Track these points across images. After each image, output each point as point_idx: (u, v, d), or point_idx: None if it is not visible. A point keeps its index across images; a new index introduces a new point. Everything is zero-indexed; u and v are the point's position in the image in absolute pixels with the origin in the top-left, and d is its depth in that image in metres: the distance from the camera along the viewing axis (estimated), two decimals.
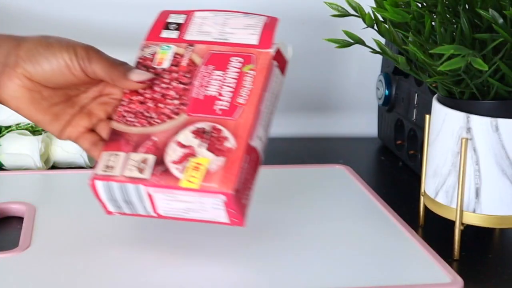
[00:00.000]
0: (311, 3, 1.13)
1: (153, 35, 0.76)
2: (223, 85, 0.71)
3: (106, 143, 0.70)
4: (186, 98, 0.71)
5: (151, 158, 0.68)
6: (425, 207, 0.81)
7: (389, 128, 1.09)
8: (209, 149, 0.68)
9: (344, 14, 0.76)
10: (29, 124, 0.99)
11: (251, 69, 0.71)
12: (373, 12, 0.74)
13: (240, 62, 0.72)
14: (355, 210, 0.82)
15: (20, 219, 0.79)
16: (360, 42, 0.75)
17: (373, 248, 0.74)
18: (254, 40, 0.73)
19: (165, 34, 0.75)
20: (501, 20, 0.67)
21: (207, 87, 0.71)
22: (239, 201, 0.66)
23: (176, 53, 0.74)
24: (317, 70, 1.20)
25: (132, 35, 1.12)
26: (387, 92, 1.07)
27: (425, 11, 0.70)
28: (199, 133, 0.69)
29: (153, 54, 0.74)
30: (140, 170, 0.68)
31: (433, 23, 0.71)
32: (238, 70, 0.72)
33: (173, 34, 0.75)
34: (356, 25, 0.77)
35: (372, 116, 1.18)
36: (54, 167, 0.97)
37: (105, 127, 0.74)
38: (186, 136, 0.69)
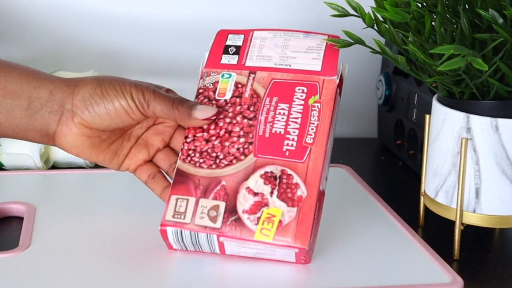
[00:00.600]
0: (311, 3, 1.14)
1: (213, 61, 0.74)
2: (289, 120, 0.70)
3: (174, 185, 0.69)
4: (252, 136, 0.70)
5: (222, 205, 0.68)
6: (425, 207, 0.81)
7: (389, 128, 1.09)
8: (280, 198, 0.67)
9: (344, 14, 0.76)
10: None
11: (316, 101, 0.70)
12: (373, 12, 0.74)
13: (304, 93, 0.71)
14: (355, 210, 0.82)
15: (20, 219, 0.79)
16: (360, 42, 0.75)
17: (373, 248, 0.74)
18: (317, 66, 0.72)
19: (224, 59, 0.74)
20: (501, 20, 0.67)
21: (272, 123, 0.70)
22: (310, 248, 0.67)
23: (237, 82, 0.72)
24: None
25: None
26: (387, 92, 1.07)
27: (425, 11, 0.70)
28: (269, 179, 0.68)
29: (214, 84, 0.72)
30: (212, 219, 0.67)
31: (433, 23, 0.71)
32: (303, 103, 0.70)
33: (233, 60, 0.73)
34: (357, 25, 0.77)
35: (372, 116, 1.19)
36: (54, 167, 0.97)
37: (163, 158, 0.74)
38: (256, 182, 0.68)
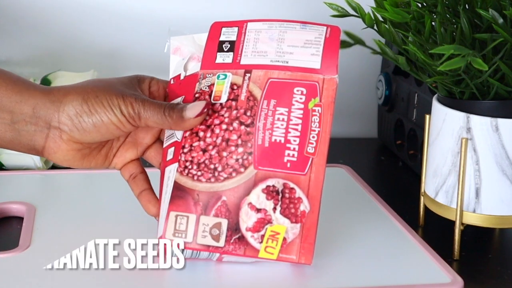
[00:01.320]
0: (310, 3, 1.13)
1: (208, 62, 0.71)
2: (289, 127, 0.67)
3: (172, 200, 0.67)
4: (251, 145, 0.67)
5: (224, 223, 0.66)
6: (425, 207, 0.81)
7: (389, 128, 1.09)
8: (283, 214, 0.66)
9: (343, 14, 0.76)
10: None
11: (316, 105, 0.67)
12: (373, 12, 0.74)
13: (303, 95, 0.68)
14: (355, 210, 0.82)
15: (20, 219, 0.79)
16: (360, 42, 0.75)
17: (373, 248, 0.74)
18: (316, 63, 0.68)
19: (219, 58, 0.70)
20: (501, 20, 0.67)
21: (271, 130, 0.67)
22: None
23: (233, 83, 0.69)
24: None
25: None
26: (387, 92, 1.07)
27: (425, 11, 0.70)
28: (271, 193, 0.67)
29: (210, 86, 0.70)
30: (214, 238, 0.66)
31: (433, 23, 0.71)
32: (303, 106, 0.67)
33: (228, 58, 0.70)
34: (356, 26, 0.77)
35: (372, 116, 1.18)
36: (54, 167, 0.97)
37: (154, 155, 0.73)
38: (258, 197, 0.66)
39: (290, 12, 1.14)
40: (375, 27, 0.75)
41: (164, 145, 0.71)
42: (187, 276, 0.67)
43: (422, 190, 0.80)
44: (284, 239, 0.66)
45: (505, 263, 0.76)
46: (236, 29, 0.72)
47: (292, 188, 0.67)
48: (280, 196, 0.67)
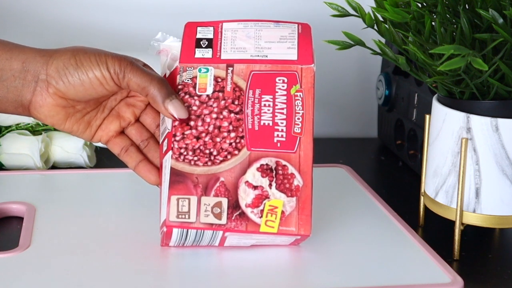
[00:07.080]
0: (310, 3, 1.13)
1: (187, 56, 0.73)
2: (275, 111, 0.71)
3: (171, 185, 0.69)
4: (242, 130, 0.71)
5: (224, 201, 0.69)
6: (425, 207, 0.81)
7: (389, 128, 1.09)
8: (279, 189, 0.70)
9: (344, 14, 0.76)
10: (29, 124, 0.99)
11: (298, 90, 0.72)
12: (373, 12, 0.74)
13: (285, 83, 0.72)
14: (355, 210, 0.82)
15: (20, 219, 0.79)
16: (360, 43, 0.75)
17: (373, 248, 0.74)
18: (293, 55, 0.73)
19: (198, 53, 0.73)
20: (501, 20, 0.67)
21: (259, 115, 0.71)
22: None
23: (216, 76, 0.72)
24: (316, 70, 1.20)
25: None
26: (387, 92, 1.07)
27: (425, 11, 0.70)
28: (266, 171, 0.70)
29: (193, 79, 0.72)
30: (216, 216, 0.69)
31: (433, 23, 0.71)
32: (286, 93, 0.72)
33: (208, 53, 0.73)
34: (356, 25, 0.77)
35: (372, 116, 1.19)
36: (54, 167, 0.97)
37: (135, 133, 0.75)
38: (254, 175, 0.70)
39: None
40: (375, 27, 0.75)
41: (160, 141, 0.74)
42: (187, 273, 0.67)
43: (422, 190, 0.80)
44: (283, 212, 0.69)
45: (505, 263, 0.76)
46: (211, 28, 0.75)
47: (285, 165, 0.70)
48: (274, 173, 0.70)
